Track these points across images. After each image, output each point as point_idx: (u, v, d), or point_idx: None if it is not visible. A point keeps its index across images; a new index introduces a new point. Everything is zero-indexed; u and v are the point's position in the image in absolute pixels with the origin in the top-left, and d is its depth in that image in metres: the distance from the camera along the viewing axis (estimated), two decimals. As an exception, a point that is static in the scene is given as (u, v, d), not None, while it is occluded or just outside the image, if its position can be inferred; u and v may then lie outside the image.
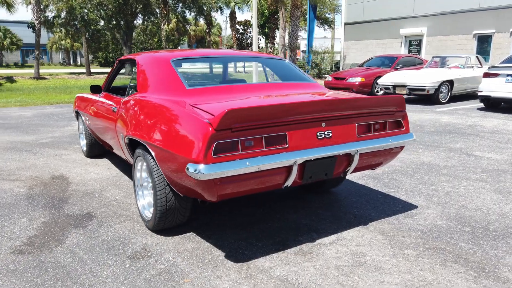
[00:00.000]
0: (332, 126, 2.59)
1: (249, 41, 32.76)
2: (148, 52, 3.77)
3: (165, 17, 25.75)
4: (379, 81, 11.48)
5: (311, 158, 2.49)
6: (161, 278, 2.33)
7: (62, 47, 44.80)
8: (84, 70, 29.99)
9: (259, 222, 3.11)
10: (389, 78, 11.15)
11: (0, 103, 11.57)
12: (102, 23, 24.57)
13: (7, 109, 10.60)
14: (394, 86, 10.88)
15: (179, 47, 48.87)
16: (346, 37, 21.96)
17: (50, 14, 26.06)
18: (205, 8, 27.66)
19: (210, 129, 2.15)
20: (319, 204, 3.46)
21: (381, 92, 12.34)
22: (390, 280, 2.28)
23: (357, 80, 12.45)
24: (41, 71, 25.47)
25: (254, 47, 17.06)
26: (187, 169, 2.18)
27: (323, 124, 2.54)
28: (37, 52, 23.09)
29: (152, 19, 27.25)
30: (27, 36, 44.24)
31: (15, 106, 11.29)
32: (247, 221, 3.12)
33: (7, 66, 46.38)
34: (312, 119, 2.49)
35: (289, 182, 2.51)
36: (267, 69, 3.96)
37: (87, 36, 26.72)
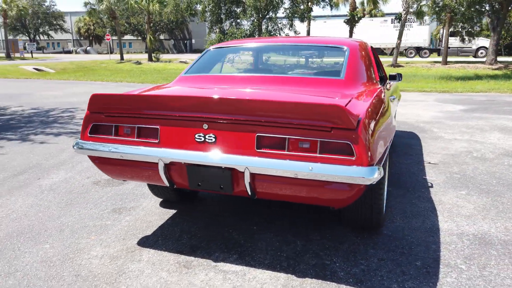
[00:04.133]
0: (218, 131, 2.12)
1: None
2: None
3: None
4: None
5: (182, 162, 2.19)
6: (88, 228, 2.85)
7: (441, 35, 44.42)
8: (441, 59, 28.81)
9: (230, 226, 2.87)
10: None
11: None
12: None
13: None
14: None
15: None
16: None
17: (422, 3, 26.61)
18: None
19: (88, 110, 2.41)
20: (322, 238, 2.68)
21: None
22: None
23: None
24: (404, 59, 26.74)
25: None
26: None
27: (205, 126, 2.14)
28: (398, 41, 24.46)
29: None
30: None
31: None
32: (225, 222, 2.95)
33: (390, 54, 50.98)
34: (190, 117, 2.16)
35: (165, 182, 2.32)
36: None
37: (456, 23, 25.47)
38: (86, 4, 29.76)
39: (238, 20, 21.67)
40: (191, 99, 2.20)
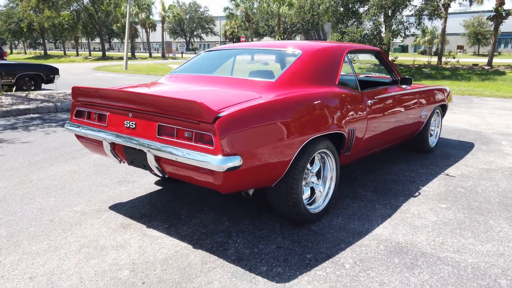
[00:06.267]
0: (136, 119, 2.63)
1: None
2: None
3: None
4: None
5: (115, 142, 2.76)
6: (89, 192, 3.65)
7: None
8: None
9: (187, 203, 3.34)
10: None
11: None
12: None
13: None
14: None
15: None
16: None
17: None
18: None
19: (73, 99, 3.15)
20: (249, 224, 2.97)
21: None
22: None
23: None
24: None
25: None
26: None
27: (130, 115, 2.67)
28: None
29: None
30: None
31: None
32: (185, 200, 3.44)
33: None
34: (121, 107, 2.72)
35: (111, 157, 2.92)
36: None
37: None
38: (225, 9, 32.78)
39: (361, 20, 21.19)
40: (122, 93, 2.76)
